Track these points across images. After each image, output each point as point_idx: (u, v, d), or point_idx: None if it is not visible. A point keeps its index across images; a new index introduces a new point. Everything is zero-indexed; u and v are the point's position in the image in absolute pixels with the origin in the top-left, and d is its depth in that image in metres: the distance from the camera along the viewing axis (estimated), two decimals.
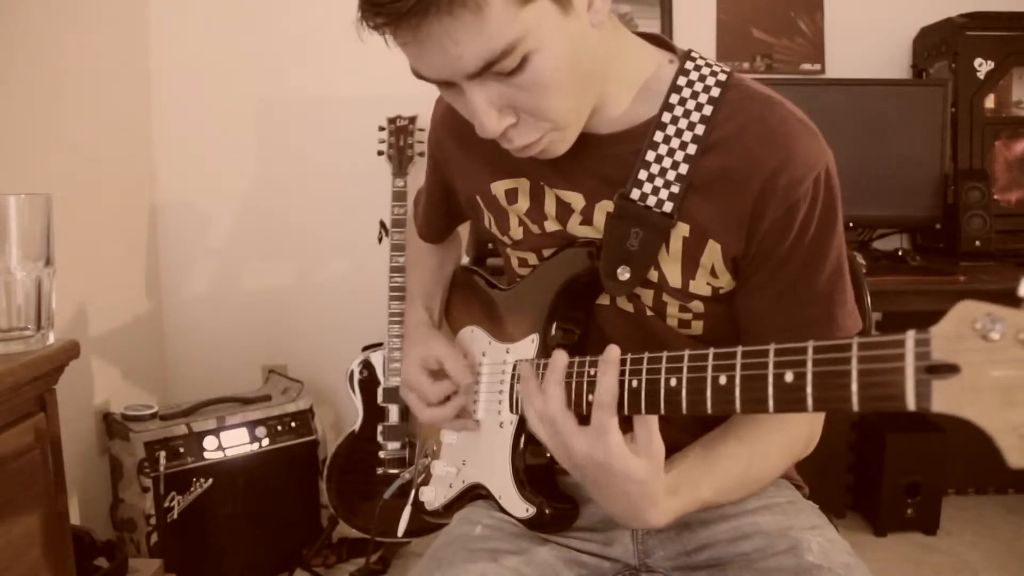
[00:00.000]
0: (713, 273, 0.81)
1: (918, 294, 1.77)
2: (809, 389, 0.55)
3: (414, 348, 0.97)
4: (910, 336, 0.49)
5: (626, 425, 0.72)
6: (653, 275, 0.81)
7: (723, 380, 0.61)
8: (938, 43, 2.18)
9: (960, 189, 2.06)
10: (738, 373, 0.60)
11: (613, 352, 0.70)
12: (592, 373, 0.73)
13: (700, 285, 0.81)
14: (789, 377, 0.56)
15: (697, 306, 0.83)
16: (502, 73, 0.67)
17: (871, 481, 2.18)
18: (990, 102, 2.13)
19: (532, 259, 0.91)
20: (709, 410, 0.63)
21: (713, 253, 0.79)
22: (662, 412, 0.67)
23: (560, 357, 0.74)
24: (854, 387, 0.52)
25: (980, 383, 0.45)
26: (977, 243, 2.04)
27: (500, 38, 0.64)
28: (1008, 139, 2.14)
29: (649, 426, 0.69)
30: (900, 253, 2.04)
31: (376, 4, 0.63)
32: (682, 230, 0.79)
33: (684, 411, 0.65)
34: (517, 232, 0.90)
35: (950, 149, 2.08)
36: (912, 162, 2.05)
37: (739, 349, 0.61)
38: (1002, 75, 2.12)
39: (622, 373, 0.70)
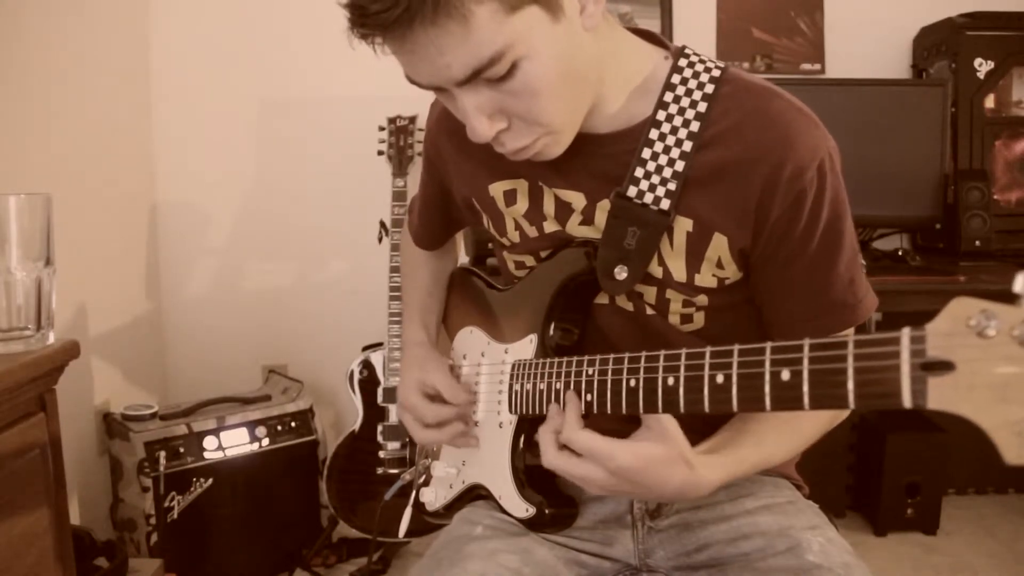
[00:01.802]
0: (719, 265, 0.81)
1: (918, 294, 1.76)
2: (806, 387, 0.55)
3: (411, 370, 0.97)
4: (905, 333, 0.49)
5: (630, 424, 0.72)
6: (657, 271, 0.81)
7: (720, 379, 0.61)
8: (938, 43, 2.18)
9: (960, 189, 2.06)
10: (735, 371, 0.60)
11: (570, 394, 0.75)
12: (590, 372, 0.74)
13: (706, 278, 0.81)
14: (786, 375, 0.56)
15: (702, 299, 0.83)
16: (492, 79, 0.67)
17: (871, 481, 2.17)
18: (990, 102, 2.13)
19: (529, 261, 0.91)
20: (707, 408, 0.63)
21: (719, 246, 0.79)
22: (659, 411, 0.67)
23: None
24: (850, 385, 0.52)
25: (975, 380, 0.45)
26: (977, 243, 2.04)
27: (488, 46, 0.65)
28: (1008, 139, 2.13)
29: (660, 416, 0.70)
30: (900, 253, 2.04)
31: (362, 15, 0.63)
32: (685, 224, 0.79)
33: (682, 410, 0.65)
34: (514, 235, 0.90)
35: (950, 149, 2.08)
36: (912, 162, 2.04)
37: (736, 347, 0.61)
38: (1002, 75, 2.12)
39: (619, 372, 0.70)
